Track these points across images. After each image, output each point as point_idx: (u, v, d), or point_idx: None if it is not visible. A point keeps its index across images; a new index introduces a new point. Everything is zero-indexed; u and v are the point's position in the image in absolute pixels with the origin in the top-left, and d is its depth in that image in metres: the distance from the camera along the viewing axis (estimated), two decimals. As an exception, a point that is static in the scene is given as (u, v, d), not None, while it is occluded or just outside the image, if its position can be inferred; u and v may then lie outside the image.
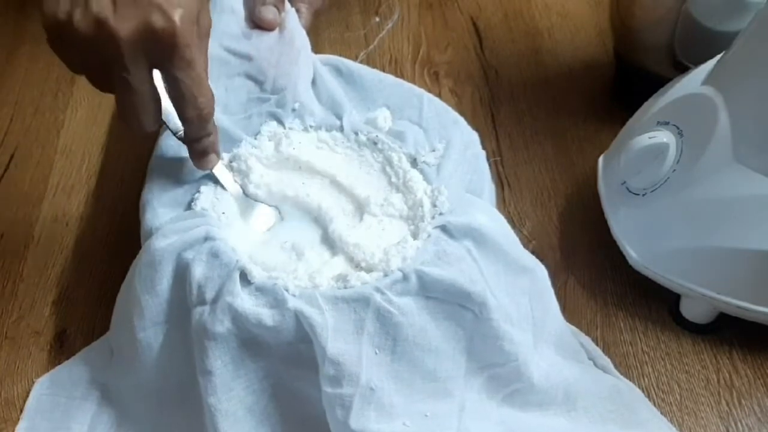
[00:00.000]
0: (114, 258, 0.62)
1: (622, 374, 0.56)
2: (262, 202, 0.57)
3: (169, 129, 0.55)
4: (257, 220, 0.57)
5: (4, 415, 0.55)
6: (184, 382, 0.52)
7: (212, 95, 0.52)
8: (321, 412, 0.48)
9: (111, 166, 0.70)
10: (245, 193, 0.57)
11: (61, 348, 0.58)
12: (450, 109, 0.63)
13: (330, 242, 0.54)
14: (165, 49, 0.48)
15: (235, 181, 0.57)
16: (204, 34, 0.51)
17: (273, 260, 0.53)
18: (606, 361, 0.57)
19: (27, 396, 0.55)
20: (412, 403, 0.48)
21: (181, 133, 0.54)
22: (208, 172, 0.56)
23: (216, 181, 0.56)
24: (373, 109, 0.62)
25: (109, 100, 0.75)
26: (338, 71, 0.65)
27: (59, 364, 0.57)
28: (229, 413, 0.49)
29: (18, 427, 0.54)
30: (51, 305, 0.61)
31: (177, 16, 0.47)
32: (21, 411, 0.55)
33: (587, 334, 0.58)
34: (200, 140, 0.53)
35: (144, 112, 0.50)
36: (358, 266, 0.52)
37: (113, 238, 0.65)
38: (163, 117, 0.53)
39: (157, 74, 0.50)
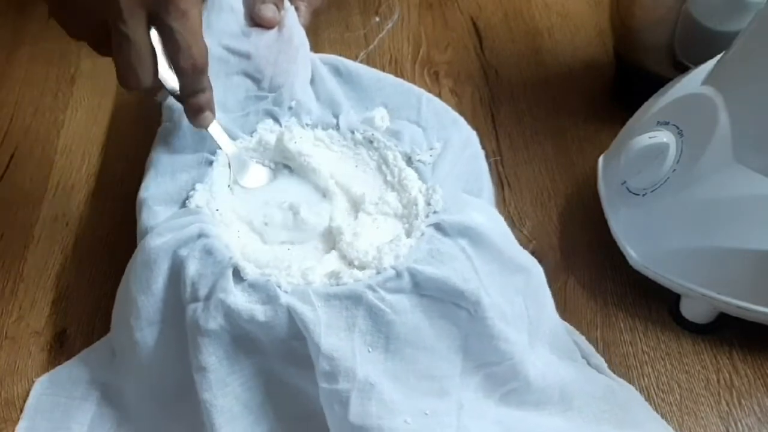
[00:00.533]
0: (114, 258, 0.62)
1: (622, 374, 0.56)
2: (256, 162, 0.59)
3: (167, 89, 0.55)
4: (251, 179, 0.58)
5: (4, 415, 0.55)
6: (182, 382, 0.52)
7: (206, 48, 0.54)
8: (319, 408, 0.48)
9: (111, 166, 0.70)
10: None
11: (61, 348, 0.58)
12: (449, 108, 0.63)
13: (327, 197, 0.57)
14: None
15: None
16: None
17: (273, 219, 0.55)
18: (599, 360, 0.57)
19: (27, 396, 0.55)
20: (411, 400, 0.48)
21: (178, 92, 0.55)
22: (204, 159, 0.57)
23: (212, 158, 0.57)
24: (371, 108, 0.62)
25: (109, 100, 0.76)
26: (337, 71, 0.65)
27: (59, 364, 0.57)
28: (225, 409, 0.49)
29: (18, 427, 0.54)
30: (51, 305, 0.61)
31: None
32: (21, 411, 0.55)
33: (587, 334, 0.58)
34: (195, 95, 0.55)
35: (141, 66, 0.52)
36: (351, 264, 0.52)
37: (113, 238, 0.65)
38: (161, 77, 0.54)
39: (154, 36, 0.52)
